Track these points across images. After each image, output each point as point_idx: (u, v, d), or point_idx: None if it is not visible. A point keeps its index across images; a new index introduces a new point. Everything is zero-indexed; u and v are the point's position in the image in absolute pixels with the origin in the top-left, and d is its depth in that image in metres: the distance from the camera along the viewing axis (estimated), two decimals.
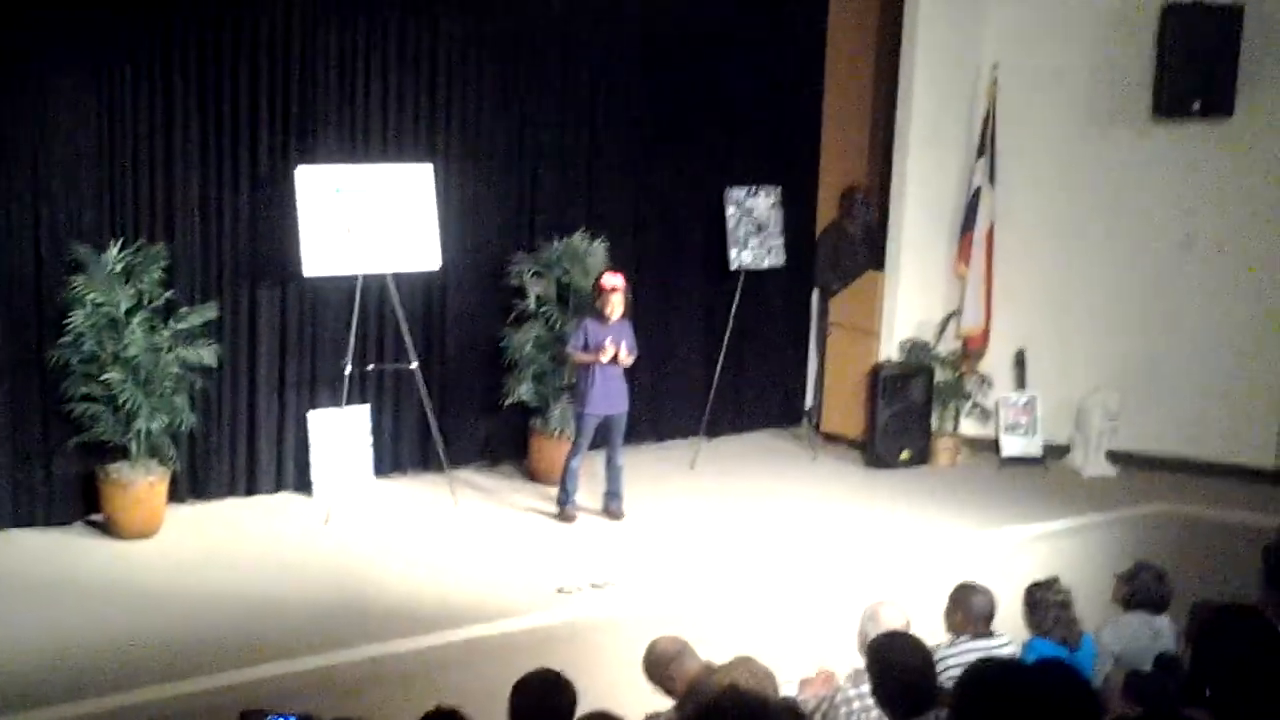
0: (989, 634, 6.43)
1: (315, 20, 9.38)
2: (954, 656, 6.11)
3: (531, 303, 10.09)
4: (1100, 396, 10.80)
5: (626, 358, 9.22)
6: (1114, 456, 10.88)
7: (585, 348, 9.19)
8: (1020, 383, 11.16)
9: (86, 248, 8.59)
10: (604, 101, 10.71)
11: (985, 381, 11.16)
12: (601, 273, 9.48)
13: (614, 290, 9.18)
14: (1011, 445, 11.03)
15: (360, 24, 9.57)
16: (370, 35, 9.62)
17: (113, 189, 8.83)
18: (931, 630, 6.39)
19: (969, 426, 11.25)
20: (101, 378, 8.50)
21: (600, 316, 9.22)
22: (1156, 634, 6.88)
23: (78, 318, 8.47)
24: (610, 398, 9.27)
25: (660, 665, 5.94)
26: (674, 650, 5.95)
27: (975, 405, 11.16)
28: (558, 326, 10.01)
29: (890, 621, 6.00)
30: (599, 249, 10.24)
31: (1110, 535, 9.51)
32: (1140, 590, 7.05)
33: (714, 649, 5.95)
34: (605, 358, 9.11)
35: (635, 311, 9.72)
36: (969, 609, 6.47)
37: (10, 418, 8.60)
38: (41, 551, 8.45)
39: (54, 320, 8.58)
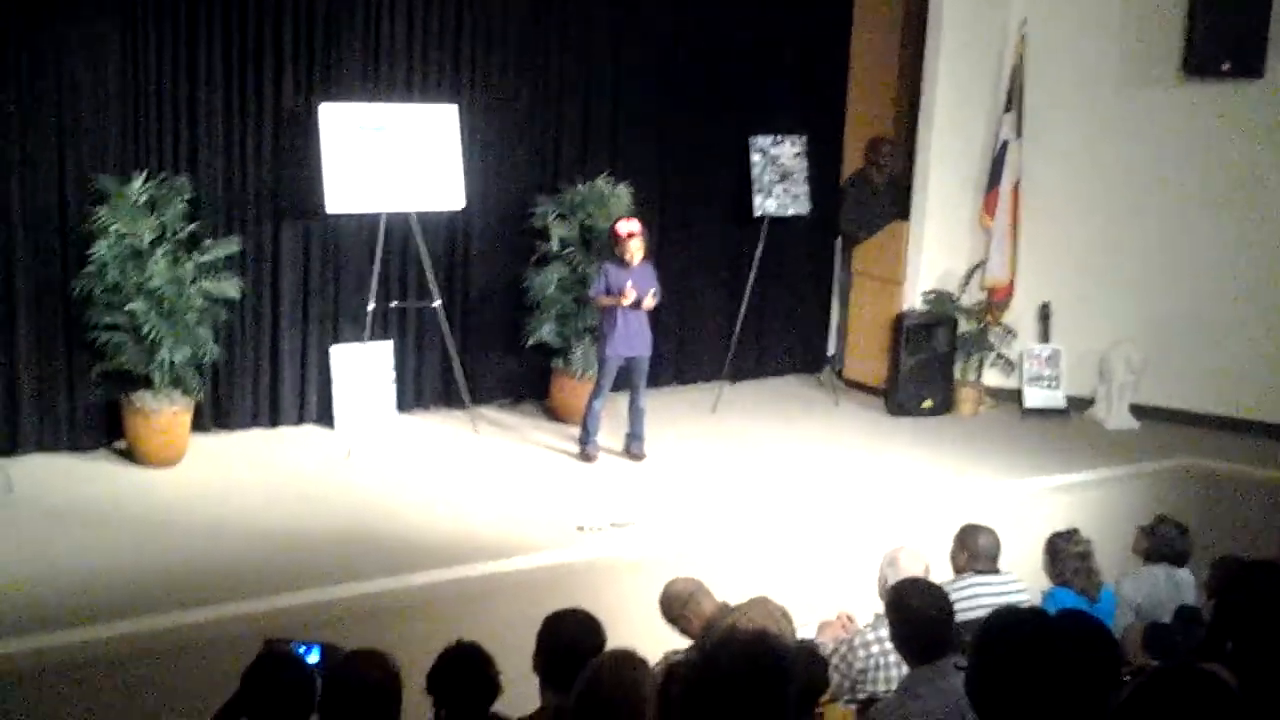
0: (995, 571, 6.45)
1: None
2: (958, 592, 6.13)
3: (554, 245, 10.07)
4: (1124, 349, 10.75)
5: (650, 301, 9.20)
6: (1138, 410, 10.85)
7: (607, 292, 9.17)
8: (1044, 335, 11.12)
9: (111, 179, 8.59)
10: (629, 45, 10.64)
11: (1009, 333, 11.12)
12: (616, 219, 9.45)
13: (630, 236, 9.15)
14: (1035, 397, 11.01)
15: None
16: None
17: (137, 123, 8.83)
18: (950, 577, 6.41)
19: (992, 377, 11.23)
20: (125, 308, 8.52)
21: (620, 261, 9.20)
22: (1177, 587, 6.89)
23: (101, 248, 8.47)
24: (632, 340, 9.26)
25: (676, 605, 5.97)
26: (689, 590, 5.97)
27: (999, 356, 11.12)
28: (580, 269, 9.99)
29: (909, 567, 6.01)
30: (623, 192, 10.20)
31: (1133, 488, 9.49)
32: (1162, 543, 7.07)
33: (733, 590, 5.97)
34: (627, 301, 9.09)
35: (659, 255, 9.71)
36: (974, 548, 6.51)
37: (35, 345, 8.63)
38: (65, 477, 8.50)
39: (78, 251, 8.59)
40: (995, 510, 8.34)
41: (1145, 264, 10.90)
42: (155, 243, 8.61)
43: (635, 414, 9.45)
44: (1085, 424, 10.88)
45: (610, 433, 9.56)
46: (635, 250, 9.15)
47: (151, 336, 8.49)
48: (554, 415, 10.22)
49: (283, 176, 9.36)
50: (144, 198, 8.60)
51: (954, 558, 6.59)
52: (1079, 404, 11.02)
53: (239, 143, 9.21)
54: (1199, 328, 10.80)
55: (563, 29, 10.33)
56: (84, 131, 8.63)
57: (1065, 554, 6.71)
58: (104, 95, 8.67)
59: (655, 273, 9.36)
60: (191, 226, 8.82)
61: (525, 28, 10.16)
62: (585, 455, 9.38)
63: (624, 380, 9.42)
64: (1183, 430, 10.66)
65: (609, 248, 9.40)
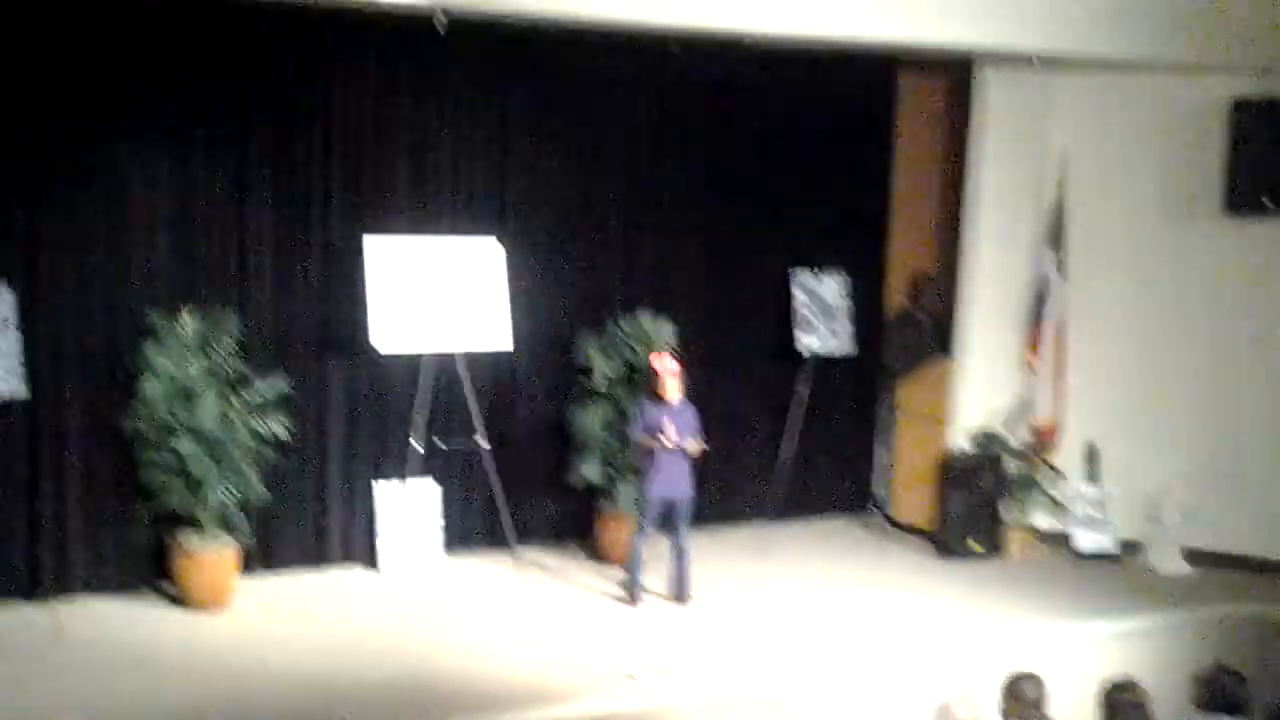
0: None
1: (387, 95, 9.52)
2: None
3: (599, 382, 10.09)
4: (1175, 492, 10.62)
5: (694, 446, 9.19)
6: (1190, 554, 10.69)
7: (645, 430, 9.17)
8: (1092, 475, 11.01)
9: (160, 315, 8.69)
10: (671, 182, 10.76)
11: (1057, 473, 11.02)
12: (652, 354, 9.49)
13: (667, 374, 9.17)
14: (1085, 540, 10.87)
15: (431, 99, 9.72)
16: (440, 109, 9.76)
17: (189, 257, 8.98)
18: None
19: (1040, 519, 11.11)
20: (174, 447, 8.55)
21: (658, 398, 9.20)
22: None
23: (151, 386, 8.53)
24: (672, 481, 9.22)
25: None
26: None
27: (1048, 498, 11.01)
28: (624, 406, 9.99)
29: (962, 717, 5.91)
30: (666, 328, 10.24)
31: (1186, 635, 9.31)
32: (1218, 693, 6.90)
33: None
34: (668, 443, 9.06)
35: (704, 391, 9.71)
36: (1025, 696, 6.39)
37: (84, 484, 8.69)
38: (112, 620, 8.51)
39: (128, 388, 8.66)
40: (1047, 657, 8.21)
41: (1194, 403, 10.82)
42: (204, 382, 8.66)
43: (679, 555, 9.38)
44: (1137, 568, 10.71)
45: (655, 574, 9.48)
46: (671, 387, 9.16)
47: (198, 476, 8.51)
48: (599, 556, 10.16)
49: (330, 311, 9.47)
50: (193, 334, 8.67)
51: (1005, 710, 6.46)
52: (1130, 547, 10.86)
53: (286, 277, 9.34)
54: (1251, 469, 10.69)
55: (606, 165, 10.45)
56: (134, 267, 8.78)
57: (1122, 706, 6.56)
58: (154, 229, 8.84)
59: (694, 412, 9.35)
60: (240, 369, 8.88)
61: (568, 163, 10.29)
62: (631, 598, 9.30)
63: (667, 521, 9.37)
64: (1237, 575, 10.49)
65: (646, 384, 9.40)
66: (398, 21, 8.91)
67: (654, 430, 9.12)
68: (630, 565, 9.31)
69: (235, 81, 9.01)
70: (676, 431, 9.11)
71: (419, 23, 8.54)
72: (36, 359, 8.42)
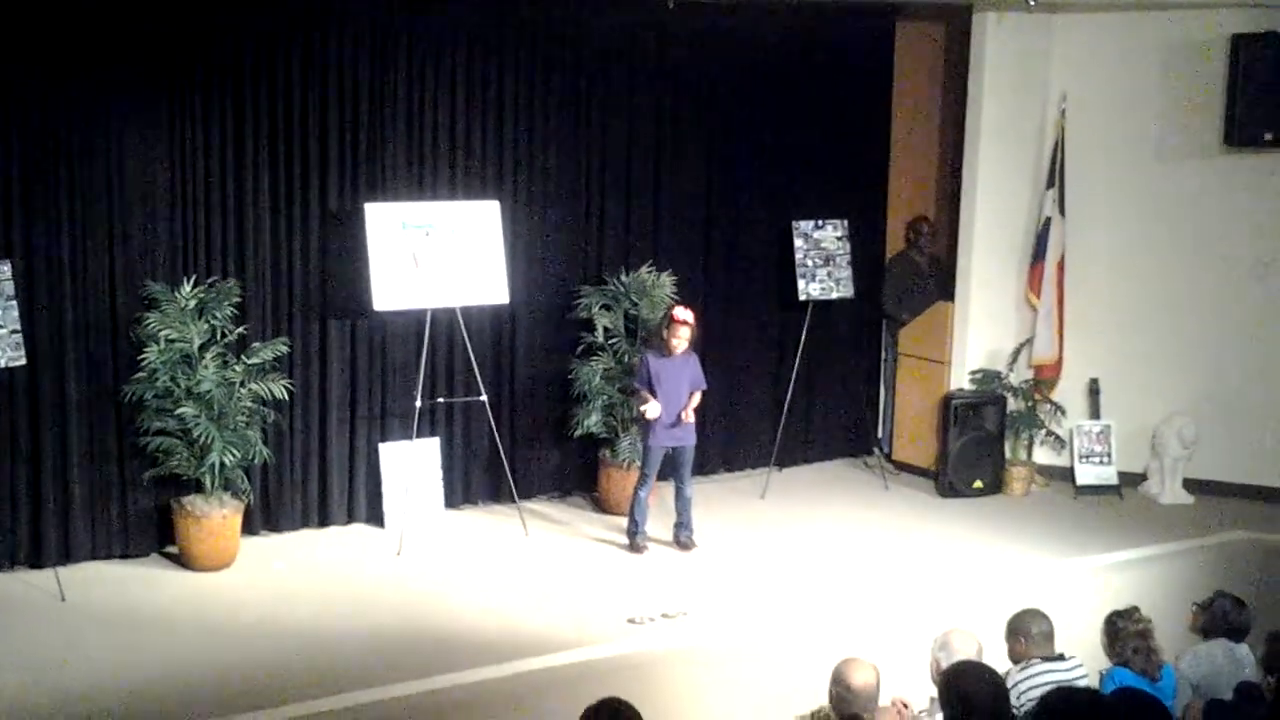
0: (1058, 656, 6.36)
1: (383, 59, 9.49)
2: (1026, 681, 6.07)
3: (600, 335, 10.13)
4: (1176, 424, 10.66)
5: (689, 415, 9.25)
6: (1190, 484, 10.74)
7: (648, 382, 9.21)
8: (1094, 411, 11.04)
9: (161, 285, 8.74)
10: (670, 136, 10.74)
11: (1058, 410, 11.05)
12: (673, 305, 9.53)
13: (683, 324, 9.20)
14: (1086, 474, 10.92)
15: (428, 62, 9.68)
16: (438, 74, 9.72)
17: (185, 228, 8.99)
18: (1004, 658, 6.33)
19: (1043, 455, 11.15)
20: (176, 412, 8.62)
21: (663, 349, 9.24)
22: (1237, 662, 6.78)
23: (152, 354, 8.59)
24: (675, 429, 9.27)
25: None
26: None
27: (1049, 434, 11.05)
28: (626, 359, 10.04)
29: (962, 649, 5.94)
30: (666, 282, 10.28)
31: (1188, 563, 9.37)
32: (1219, 618, 6.96)
33: (787, 679, 5.92)
34: (650, 414, 9.15)
35: (705, 342, 9.75)
36: (1029, 633, 6.41)
37: (88, 452, 8.73)
38: (118, 584, 8.55)
39: (129, 357, 8.73)
40: (1050, 590, 8.27)
41: (1194, 336, 10.84)
42: (204, 347, 8.73)
43: (682, 503, 9.44)
44: (1139, 500, 10.77)
45: (659, 522, 9.54)
46: (682, 338, 9.19)
47: (202, 440, 8.57)
48: (602, 507, 10.21)
49: (329, 276, 9.48)
50: (193, 302, 8.73)
51: (1011, 647, 6.49)
52: (1131, 480, 10.91)
53: (286, 244, 9.35)
54: (1251, 399, 10.73)
55: (603, 120, 10.43)
56: (133, 238, 8.79)
57: (1125, 633, 6.59)
58: (152, 201, 8.84)
59: (697, 362, 9.39)
60: (240, 329, 8.93)
61: (565, 121, 10.27)
62: (634, 547, 9.35)
63: (670, 469, 9.42)
64: (1237, 504, 10.55)
65: (655, 334, 9.44)
66: None
67: (647, 384, 9.17)
68: (635, 514, 9.36)
69: (231, 50, 8.97)
70: (673, 382, 9.19)
71: None
72: (36, 330, 8.45)
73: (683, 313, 9.27)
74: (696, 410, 9.39)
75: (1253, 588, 8.12)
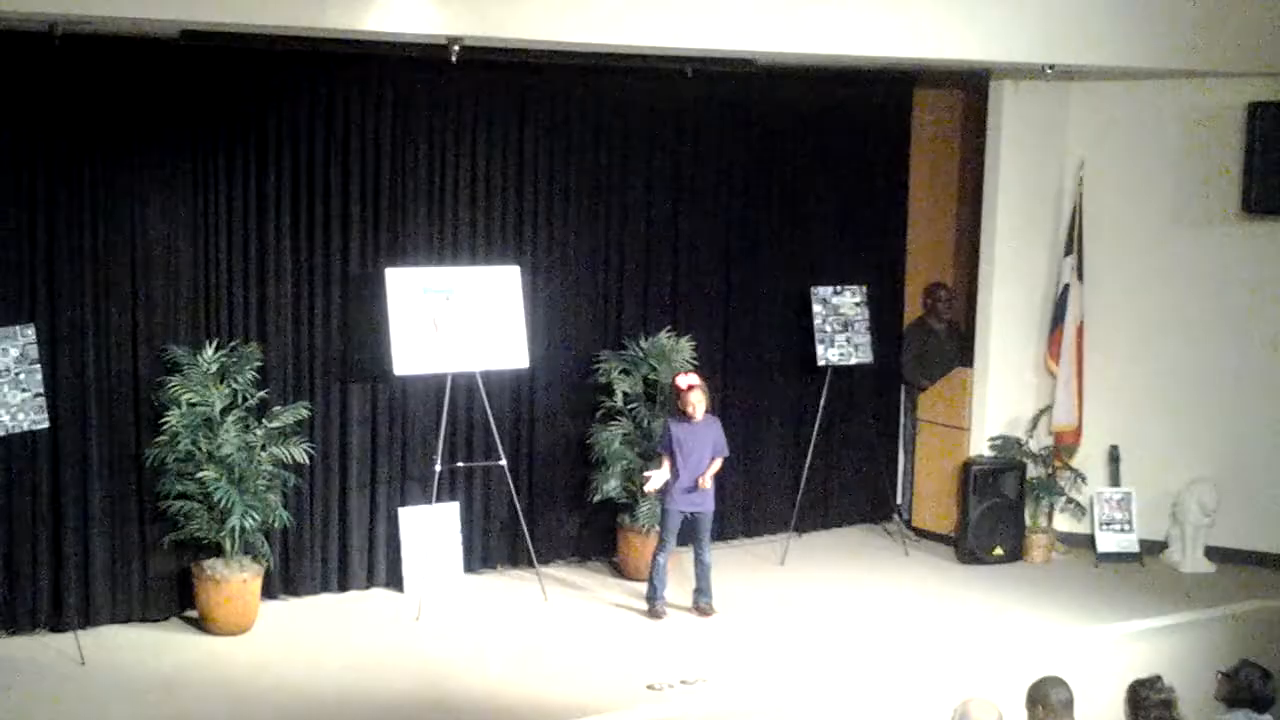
0: None
1: (405, 125, 9.58)
2: None
3: (619, 400, 10.15)
4: (1196, 492, 10.63)
5: (707, 481, 9.26)
6: (1212, 553, 10.69)
7: (670, 449, 9.22)
8: (1114, 478, 11.01)
9: (183, 349, 8.79)
10: (689, 200, 10.78)
11: (1079, 477, 11.02)
12: (676, 374, 9.55)
13: (690, 389, 9.23)
14: (1107, 541, 10.87)
15: (449, 128, 9.76)
16: (459, 140, 9.80)
17: (207, 291, 9.05)
18: None
19: (1063, 523, 11.11)
20: (197, 476, 8.65)
21: (682, 415, 9.25)
22: None
23: (173, 417, 8.64)
24: (693, 495, 9.27)
25: None
26: None
27: (1070, 501, 11.02)
28: (645, 424, 10.05)
29: (981, 718, 5.91)
30: (685, 346, 10.30)
31: (1211, 633, 9.31)
32: (1244, 688, 6.89)
33: None
34: (649, 488, 9.22)
35: (724, 408, 9.76)
36: (1047, 702, 6.36)
37: (109, 515, 8.77)
38: (138, 648, 8.56)
39: (151, 420, 8.78)
40: (1071, 658, 8.22)
41: (1214, 403, 10.82)
42: (226, 410, 8.77)
43: (701, 569, 9.42)
44: (1160, 568, 10.72)
45: (678, 588, 9.52)
46: (696, 403, 9.21)
47: (222, 503, 8.59)
48: (622, 572, 10.19)
49: (350, 341, 9.53)
50: (215, 366, 8.78)
51: (1030, 716, 6.42)
52: (1152, 547, 10.86)
53: (307, 308, 9.41)
54: (1272, 466, 10.68)
55: (622, 186, 10.49)
56: (155, 301, 8.86)
57: (1148, 703, 6.53)
58: (175, 265, 8.91)
59: (719, 426, 9.40)
60: (261, 393, 8.97)
61: (585, 187, 10.33)
62: (653, 612, 9.33)
63: (688, 535, 9.41)
64: (1259, 572, 10.49)
65: (672, 403, 9.47)
66: (414, 52, 8.96)
67: (669, 449, 9.20)
68: (654, 579, 9.34)
69: (254, 114, 9.07)
70: (696, 447, 9.20)
71: (435, 52, 8.60)
72: (59, 393, 8.51)
73: (684, 379, 9.31)
74: (716, 476, 9.39)
75: (1276, 657, 8.03)
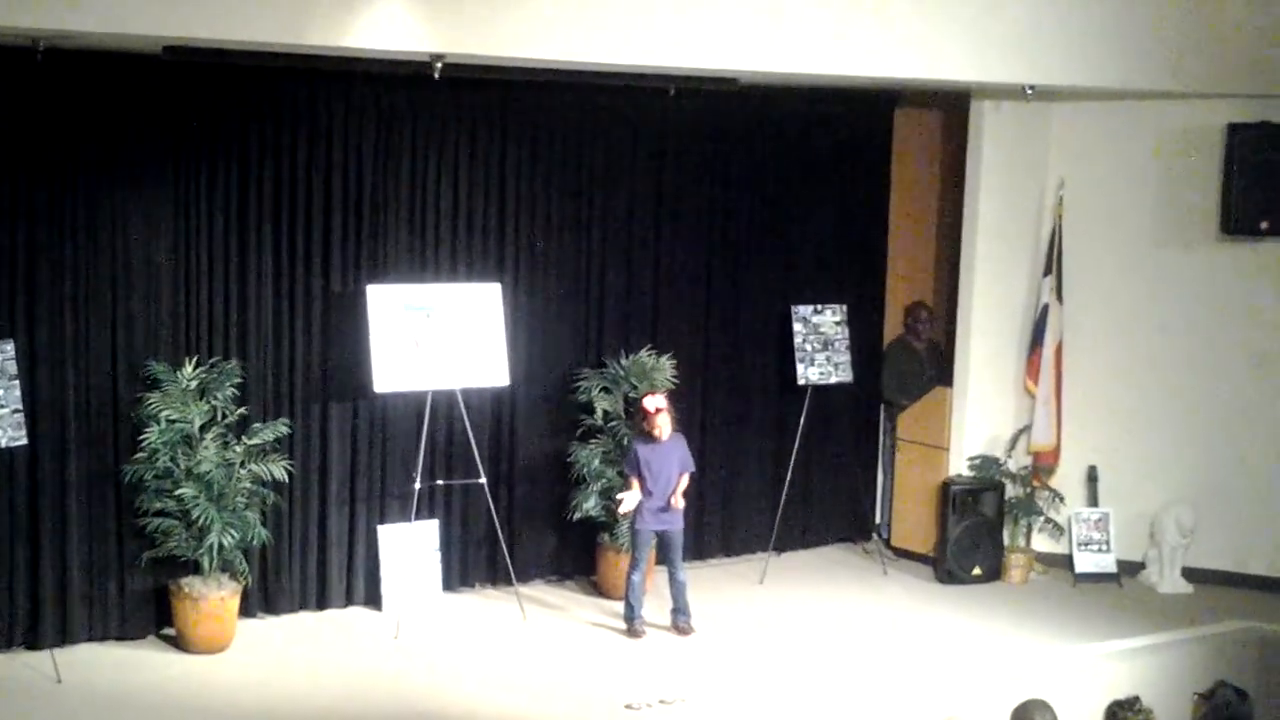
0: None
1: (386, 142, 9.58)
2: None
3: (599, 418, 10.15)
4: (1174, 512, 10.66)
5: (679, 500, 9.28)
6: (1190, 573, 10.72)
7: (638, 470, 9.24)
8: (1092, 499, 11.04)
9: (163, 365, 8.77)
10: (670, 220, 10.79)
11: (1057, 497, 11.05)
12: (642, 395, 9.56)
13: (657, 411, 9.25)
14: (1085, 562, 10.89)
15: (431, 146, 9.76)
16: (441, 157, 9.80)
17: (188, 308, 9.03)
18: None
19: (1041, 543, 11.13)
20: (175, 493, 8.61)
21: (648, 436, 9.26)
22: None
23: (152, 434, 8.61)
24: (662, 514, 9.28)
25: None
26: None
27: (1048, 521, 11.04)
28: (625, 442, 10.04)
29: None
30: (666, 365, 10.31)
31: (1189, 653, 9.34)
32: (1221, 708, 6.91)
33: None
34: (622, 510, 9.25)
35: (703, 426, 9.74)
36: None
37: (87, 533, 8.72)
38: (114, 666, 8.51)
39: (130, 437, 8.75)
40: (1049, 678, 8.23)
41: (1192, 424, 10.86)
42: (205, 427, 8.75)
43: (676, 587, 9.42)
44: (1138, 588, 10.74)
45: (657, 607, 9.51)
46: (663, 425, 9.23)
47: (201, 521, 8.56)
48: (601, 591, 10.17)
49: (330, 358, 9.52)
50: (194, 383, 8.75)
51: None
52: (1130, 568, 10.89)
53: (288, 325, 9.39)
54: (1250, 487, 10.72)
55: (604, 204, 10.50)
56: (135, 318, 8.84)
57: None
58: (156, 281, 8.89)
59: (685, 443, 9.43)
60: (241, 410, 8.95)
61: (566, 205, 10.34)
62: (632, 631, 9.32)
63: (662, 554, 9.42)
64: (1237, 593, 10.52)
65: (638, 423, 9.47)
66: (396, 70, 8.97)
67: (637, 470, 9.22)
68: (630, 598, 9.34)
69: (236, 131, 9.07)
70: (664, 467, 9.23)
71: (417, 70, 8.60)
72: (38, 409, 8.47)
73: (651, 401, 9.33)
74: (689, 494, 9.41)
75: (1252, 678, 8.07)
